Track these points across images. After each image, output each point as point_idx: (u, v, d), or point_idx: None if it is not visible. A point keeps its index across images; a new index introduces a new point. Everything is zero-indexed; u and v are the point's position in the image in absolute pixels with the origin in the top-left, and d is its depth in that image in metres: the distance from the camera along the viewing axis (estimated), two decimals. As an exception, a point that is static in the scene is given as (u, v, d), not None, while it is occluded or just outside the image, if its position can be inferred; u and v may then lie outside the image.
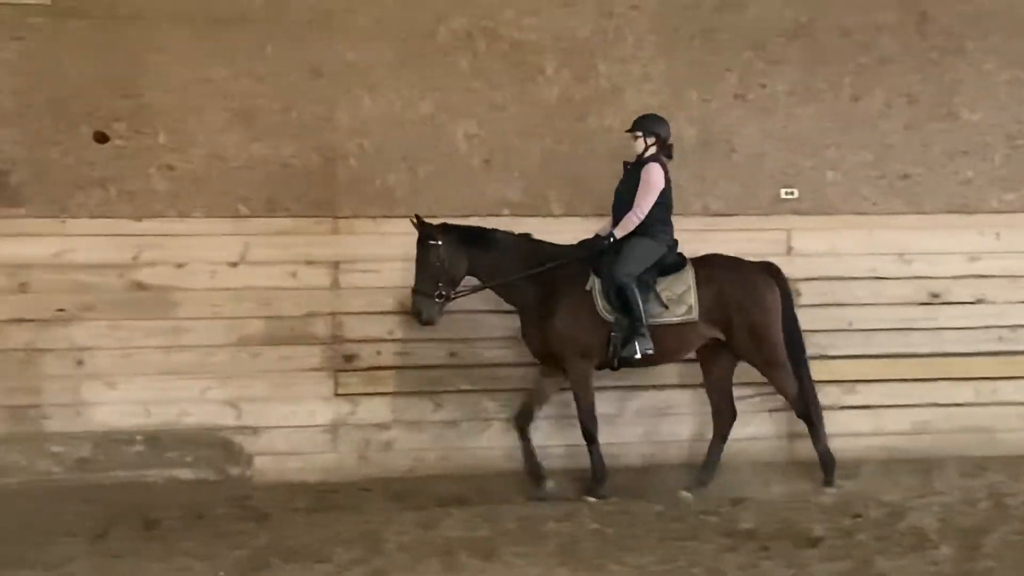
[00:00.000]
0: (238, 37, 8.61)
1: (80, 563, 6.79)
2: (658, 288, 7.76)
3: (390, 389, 8.74)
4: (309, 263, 8.67)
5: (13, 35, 8.39)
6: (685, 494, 7.81)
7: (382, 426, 8.78)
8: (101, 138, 8.06)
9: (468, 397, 8.80)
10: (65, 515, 7.78)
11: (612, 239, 7.78)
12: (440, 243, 7.70)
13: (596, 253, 7.80)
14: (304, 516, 7.82)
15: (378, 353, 8.73)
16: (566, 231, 8.28)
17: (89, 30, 8.45)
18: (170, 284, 8.53)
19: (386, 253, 8.66)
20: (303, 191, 8.73)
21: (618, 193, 7.92)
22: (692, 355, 8.17)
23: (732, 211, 8.94)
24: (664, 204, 7.81)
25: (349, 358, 8.74)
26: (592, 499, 7.74)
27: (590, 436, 7.85)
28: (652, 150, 7.86)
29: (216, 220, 8.62)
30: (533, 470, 8.07)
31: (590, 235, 8.21)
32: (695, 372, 8.51)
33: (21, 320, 8.41)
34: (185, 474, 8.58)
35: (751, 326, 7.86)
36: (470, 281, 7.96)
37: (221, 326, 8.57)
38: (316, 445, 8.65)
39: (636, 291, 7.62)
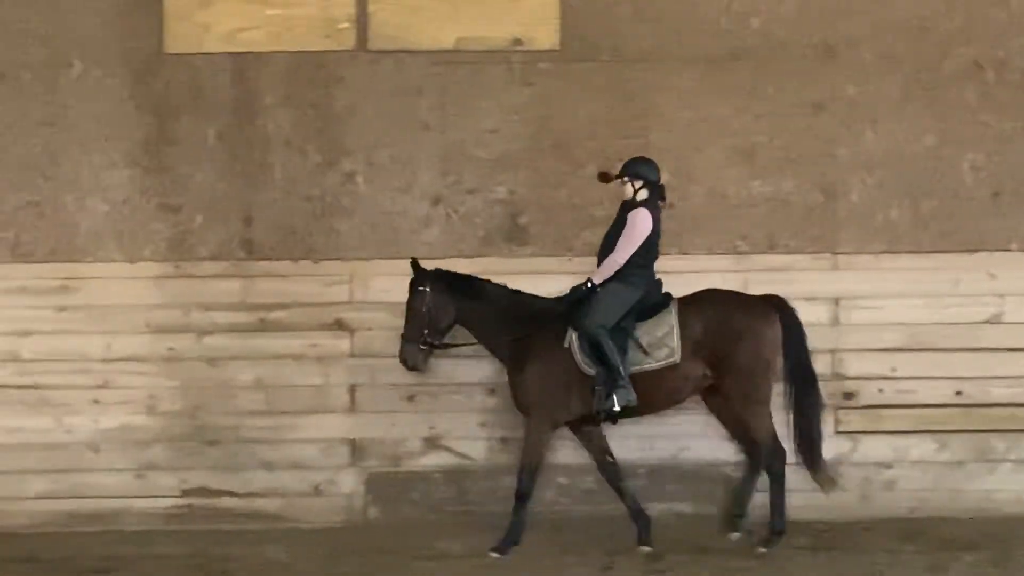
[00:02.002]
0: (739, 75, 9.08)
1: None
2: (638, 334, 7.79)
3: (892, 428, 9.05)
4: (809, 299, 9.05)
5: (525, 81, 9.16)
6: (761, 550, 7.96)
7: (883, 465, 9.08)
8: (605, 178, 8.74)
9: (975, 437, 9.02)
10: (574, 545, 8.44)
11: (590, 285, 7.84)
12: (427, 290, 7.89)
13: (575, 302, 7.85)
14: (807, 555, 8.18)
15: (880, 391, 9.06)
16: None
17: (595, 73, 9.07)
18: (672, 320, 9.07)
19: (888, 289, 8.98)
20: (802, 227, 9.13)
21: (607, 236, 7.98)
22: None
23: None
24: (644, 250, 7.85)
25: (849, 395, 9.12)
26: (495, 554, 7.94)
27: (521, 495, 7.98)
28: (642, 194, 7.92)
29: (716, 257, 9.11)
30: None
31: None
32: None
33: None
34: (685, 508, 9.14)
35: (738, 364, 7.81)
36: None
37: (720, 360, 9.07)
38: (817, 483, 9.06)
39: (610, 342, 7.65)
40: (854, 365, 9.03)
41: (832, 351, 9.04)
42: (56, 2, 8.98)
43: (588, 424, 8.07)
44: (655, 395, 7.84)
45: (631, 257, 7.82)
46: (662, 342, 7.81)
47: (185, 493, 9.07)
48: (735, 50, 8.99)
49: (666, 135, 9.04)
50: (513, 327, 7.93)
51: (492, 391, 9.03)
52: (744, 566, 7.90)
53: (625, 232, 7.86)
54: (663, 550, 8.13)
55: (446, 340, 8.13)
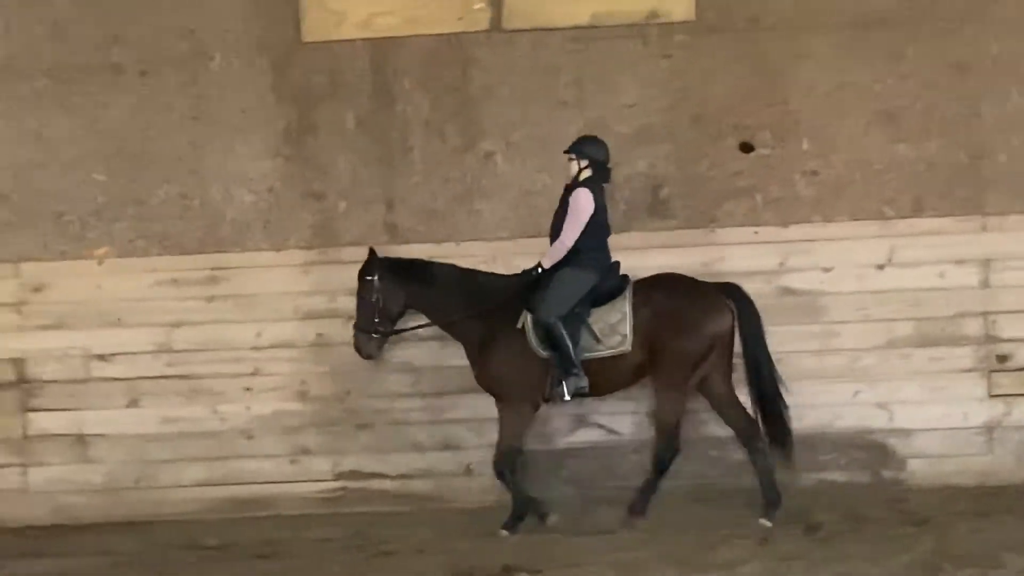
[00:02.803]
0: (879, 39, 9.11)
1: (751, 566, 7.43)
2: (591, 319, 7.84)
3: (1048, 390, 9.08)
4: (957, 262, 9.14)
5: (662, 54, 9.27)
6: (764, 522, 8.06)
7: (1040, 427, 9.08)
8: (747, 148, 8.82)
9: None
10: (730, 519, 8.57)
11: (540, 269, 7.93)
12: (375, 278, 8.05)
13: (528, 286, 7.92)
14: (967, 520, 8.22)
15: (1036, 352, 9.06)
16: None
17: (733, 43, 9.16)
18: (818, 288, 9.15)
19: (1040, 248, 8.96)
20: (948, 190, 9.18)
21: (554, 219, 8.04)
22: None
23: None
24: (593, 231, 7.88)
25: (1003, 358, 9.18)
26: (505, 532, 8.16)
27: (499, 473, 8.19)
28: (586, 173, 7.97)
29: (861, 223, 9.19)
30: None
31: None
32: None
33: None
34: (838, 477, 9.26)
35: (668, 349, 7.91)
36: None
37: (870, 329, 9.13)
38: (971, 447, 9.10)
39: (563, 329, 7.73)
40: (1007, 327, 9.08)
41: (984, 314, 9.11)
42: (199, -4, 9.18)
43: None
44: (606, 380, 7.98)
45: (582, 240, 7.89)
46: (614, 329, 7.91)
47: (339, 476, 9.30)
48: (874, 14, 9.03)
49: (806, 102, 9.12)
50: (465, 306, 8.07)
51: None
52: (902, 533, 8.01)
53: (568, 214, 7.91)
54: (820, 519, 8.32)
55: (399, 326, 8.37)
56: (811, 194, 9.04)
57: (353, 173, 9.25)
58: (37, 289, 9.06)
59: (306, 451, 9.26)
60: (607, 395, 8.30)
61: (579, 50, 9.19)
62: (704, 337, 7.94)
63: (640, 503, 8.10)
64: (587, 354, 7.84)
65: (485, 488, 9.14)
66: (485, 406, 8.88)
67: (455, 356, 8.98)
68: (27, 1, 9.25)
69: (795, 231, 9.11)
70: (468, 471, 9.27)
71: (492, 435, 8.76)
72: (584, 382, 7.81)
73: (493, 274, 8.25)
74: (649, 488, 8.12)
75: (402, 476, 9.24)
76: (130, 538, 8.79)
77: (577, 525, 8.37)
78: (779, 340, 8.73)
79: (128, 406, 9.09)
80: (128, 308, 9.06)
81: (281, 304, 9.18)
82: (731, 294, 8.09)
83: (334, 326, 9.19)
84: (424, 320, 8.31)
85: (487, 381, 8.11)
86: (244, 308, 9.12)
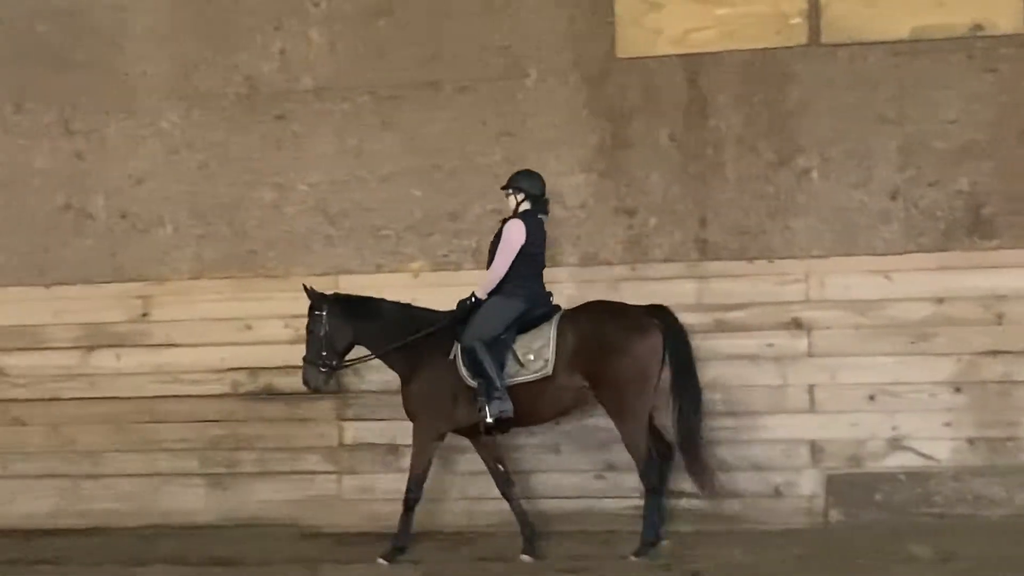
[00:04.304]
0: None
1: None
2: (516, 345, 8.11)
3: None
4: None
5: (986, 67, 9.29)
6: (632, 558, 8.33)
7: None
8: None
9: None
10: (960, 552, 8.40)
11: (474, 299, 8.22)
12: (324, 314, 8.45)
13: (463, 316, 8.20)
14: None
15: None
16: None
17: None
18: None
19: None
20: None
21: (490, 249, 8.44)
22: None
23: None
24: (524, 261, 8.21)
25: None
26: (383, 561, 8.43)
27: (408, 504, 8.48)
28: (524, 206, 8.34)
29: None
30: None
31: None
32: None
33: (996, 352, 9.26)
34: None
35: (609, 377, 8.10)
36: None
37: None
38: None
39: (485, 353, 8.04)
40: None
41: None
42: (515, 15, 9.63)
43: (477, 434, 8.54)
44: (535, 406, 8.25)
45: (512, 270, 8.26)
46: (538, 354, 8.18)
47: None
48: None
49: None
50: (400, 339, 8.43)
51: (958, 390, 9.22)
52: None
53: (500, 245, 8.28)
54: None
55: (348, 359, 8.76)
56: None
57: (665, 189, 9.51)
58: (355, 301, 9.46)
59: (612, 467, 9.49)
60: (537, 424, 8.71)
61: (899, 64, 9.25)
62: (634, 358, 8.18)
63: (649, 530, 8.43)
64: (512, 379, 8.17)
65: (795, 509, 9.30)
66: (793, 426, 9.13)
67: (765, 375, 9.21)
68: (352, 24, 9.80)
69: None
70: (777, 492, 9.35)
71: (802, 457, 8.99)
72: (508, 406, 8.14)
73: (429, 310, 8.63)
74: (652, 512, 8.40)
75: (710, 495, 9.32)
76: (434, 547, 9.23)
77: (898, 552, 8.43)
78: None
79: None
80: (442, 321, 9.35)
81: (591, 319, 9.36)
82: (659, 316, 8.29)
83: (641, 342, 9.36)
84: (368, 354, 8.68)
85: (411, 408, 8.57)
86: (552, 322, 9.27)
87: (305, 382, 8.57)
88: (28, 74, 10.16)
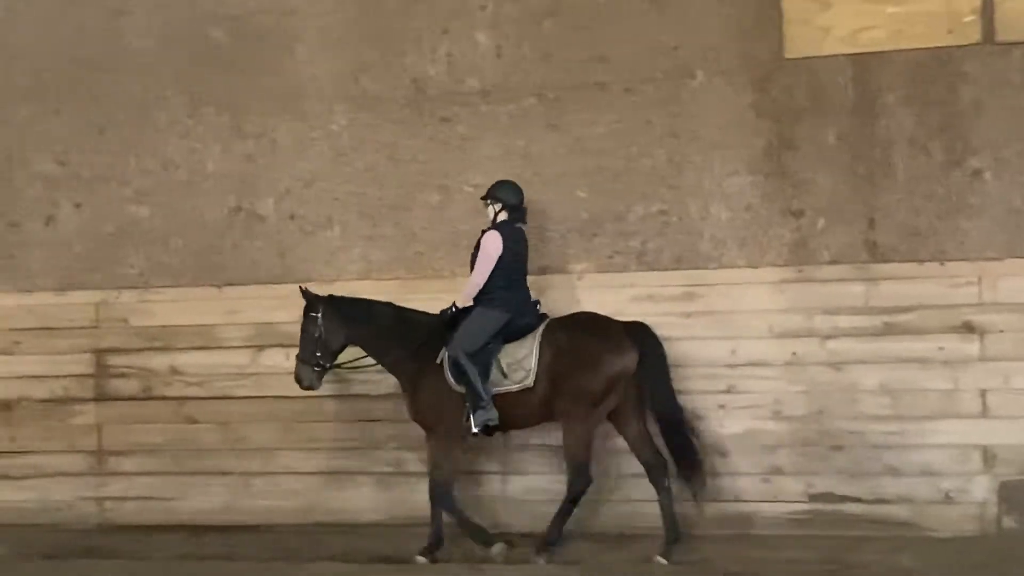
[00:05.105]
0: None
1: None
2: (501, 355, 8.36)
3: None
4: None
5: None
6: (659, 559, 8.47)
7: None
8: None
9: None
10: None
11: (454, 308, 8.51)
12: (319, 315, 8.71)
13: (448, 324, 8.45)
14: None
15: None
16: None
17: None
18: None
19: None
20: None
21: (471, 259, 8.67)
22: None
23: None
24: (505, 271, 8.46)
25: None
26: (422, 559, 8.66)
27: (435, 500, 8.75)
28: (502, 216, 8.62)
29: None
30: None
31: None
32: None
33: None
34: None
35: (569, 385, 8.41)
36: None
37: None
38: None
39: (470, 363, 8.29)
40: None
41: None
42: (684, 15, 9.73)
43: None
44: (519, 414, 8.51)
45: (491, 280, 8.50)
46: (520, 364, 8.43)
47: (811, 498, 9.60)
48: None
49: None
50: (398, 344, 8.71)
51: None
52: None
53: (479, 255, 8.51)
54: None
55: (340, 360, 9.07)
56: None
57: (833, 190, 9.54)
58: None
59: (779, 471, 9.59)
60: (522, 429, 8.95)
61: (1078, 62, 9.14)
62: (602, 374, 8.41)
63: (553, 531, 8.59)
64: (496, 388, 8.37)
65: (966, 516, 9.26)
66: (964, 431, 9.22)
67: (935, 379, 9.27)
68: (519, 26, 9.97)
69: None
70: (947, 499, 9.33)
71: (974, 463, 9.02)
72: (493, 415, 8.34)
73: (422, 312, 8.80)
74: (561, 517, 8.60)
75: (877, 500, 9.41)
76: (598, 549, 9.38)
77: None
78: None
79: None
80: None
81: (756, 322, 9.54)
82: (637, 333, 8.49)
83: (810, 345, 9.53)
84: (364, 355, 9.02)
85: (415, 414, 8.72)
86: (720, 325, 9.49)
87: (298, 380, 8.86)
88: (201, 79, 10.54)
